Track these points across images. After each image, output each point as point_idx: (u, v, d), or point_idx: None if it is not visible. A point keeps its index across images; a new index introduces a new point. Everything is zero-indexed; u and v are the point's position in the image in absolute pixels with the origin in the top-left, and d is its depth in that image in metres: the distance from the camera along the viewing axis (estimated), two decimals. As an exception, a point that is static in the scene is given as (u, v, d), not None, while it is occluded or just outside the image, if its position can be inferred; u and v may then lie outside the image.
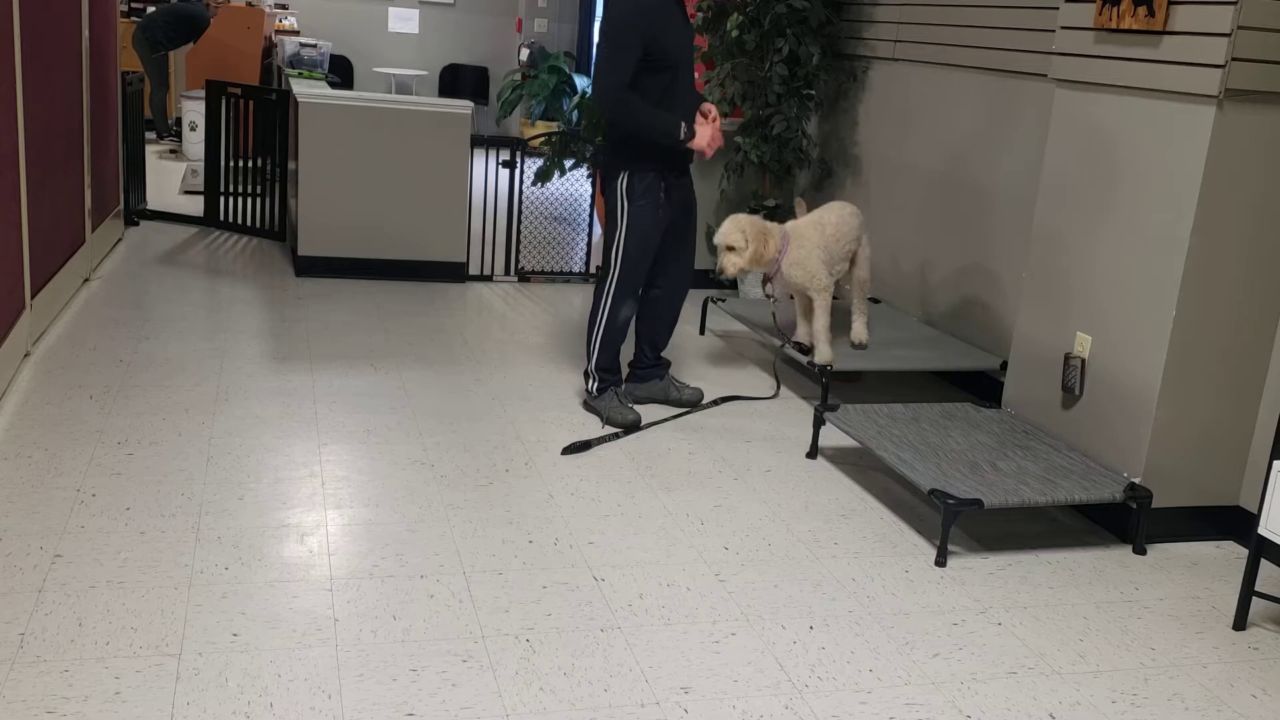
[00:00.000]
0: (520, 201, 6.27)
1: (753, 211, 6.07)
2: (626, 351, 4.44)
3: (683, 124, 3.94)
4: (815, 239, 4.36)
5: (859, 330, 4.64)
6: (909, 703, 2.56)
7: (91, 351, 4.48)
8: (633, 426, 4.13)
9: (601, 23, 3.92)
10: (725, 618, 2.86)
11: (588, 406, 4.31)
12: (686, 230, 4.26)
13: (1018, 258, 4.53)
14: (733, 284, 6.33)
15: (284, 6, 10.84)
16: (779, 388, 4.78)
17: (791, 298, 4.71)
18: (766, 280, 4.90)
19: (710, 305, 5.53)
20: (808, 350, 4.51)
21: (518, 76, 11.07)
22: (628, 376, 4.44)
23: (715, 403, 4.50)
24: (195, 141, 7.84)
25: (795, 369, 5.07)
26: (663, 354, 4.48)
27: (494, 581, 2.95)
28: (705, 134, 4.02)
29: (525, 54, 11.28)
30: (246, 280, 5.82)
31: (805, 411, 4.50)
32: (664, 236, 4.15)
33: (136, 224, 6.89)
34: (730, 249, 4.24)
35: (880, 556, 3.29)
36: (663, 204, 4.06)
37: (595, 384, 4.25)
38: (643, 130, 3.92)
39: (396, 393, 4.31)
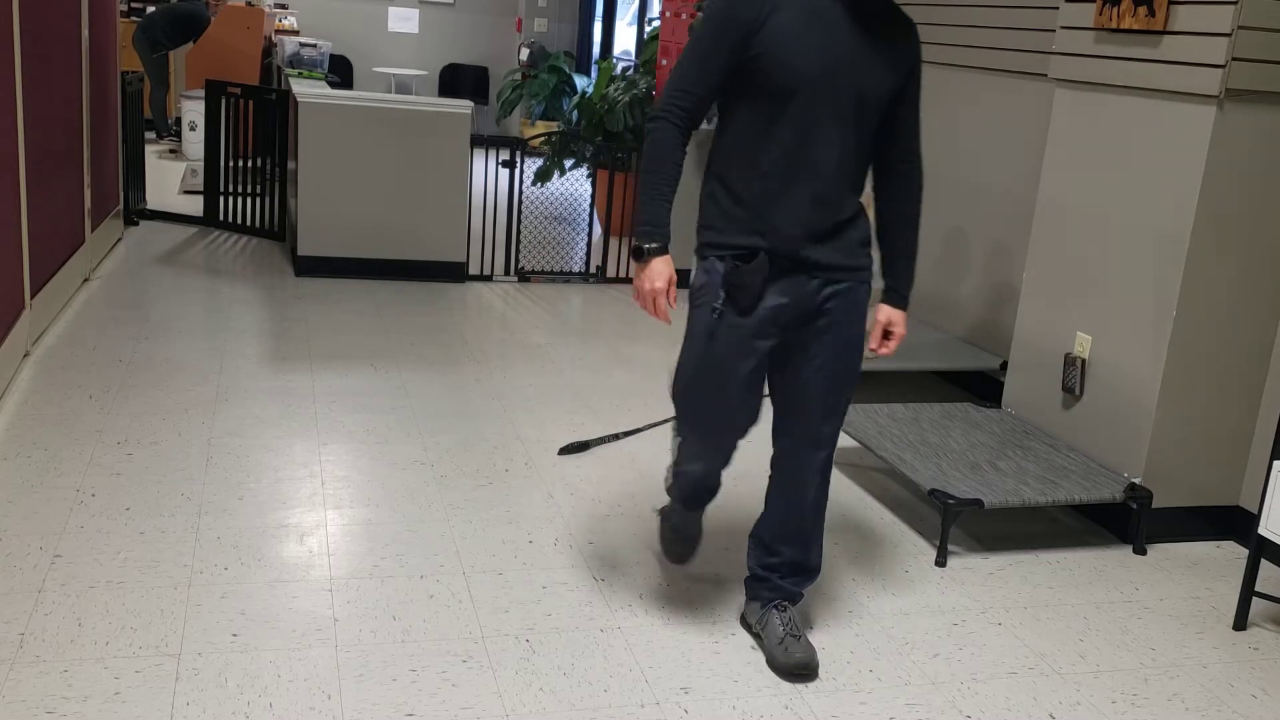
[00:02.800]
0: (520, 201, 6.27)
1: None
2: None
3: (651, 229, 2.47)
4: None
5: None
6: (909, 703, 2.56)
7: (91, 351, 4.48)
8: (673, 558, 3.13)
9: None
10: (725, 618, 2.86)
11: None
12: (817, 371, 2.57)
13: (1018, 258, 4.53)
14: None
15: (284, 6, 10.84)
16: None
17: None
18: None
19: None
20: None
21: (518, 76, 11.07)
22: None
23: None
24: (195, 141, 7.85)
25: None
26: (776, 563, 2.73)
27: (494, 581, 2.95)
28: (659, 280, 2.48)
29: (525, 54, 11.28)
30: (246, 280, 5.82)
31: (805, 411, 4.50)
32: (775, 371, 2.62)
33: (136, 224, 6.88)
34: None
35: (880, 556, 3.29)
36: (728, 314, 2.50)
37: (665, 507, 3.10)
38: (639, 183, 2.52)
39: (396, 393, 4.31)
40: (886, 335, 2.64)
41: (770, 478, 2.72)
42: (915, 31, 2.49)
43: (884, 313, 2.63)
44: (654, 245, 2.47)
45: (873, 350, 2.63)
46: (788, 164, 2.42)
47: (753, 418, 2.65)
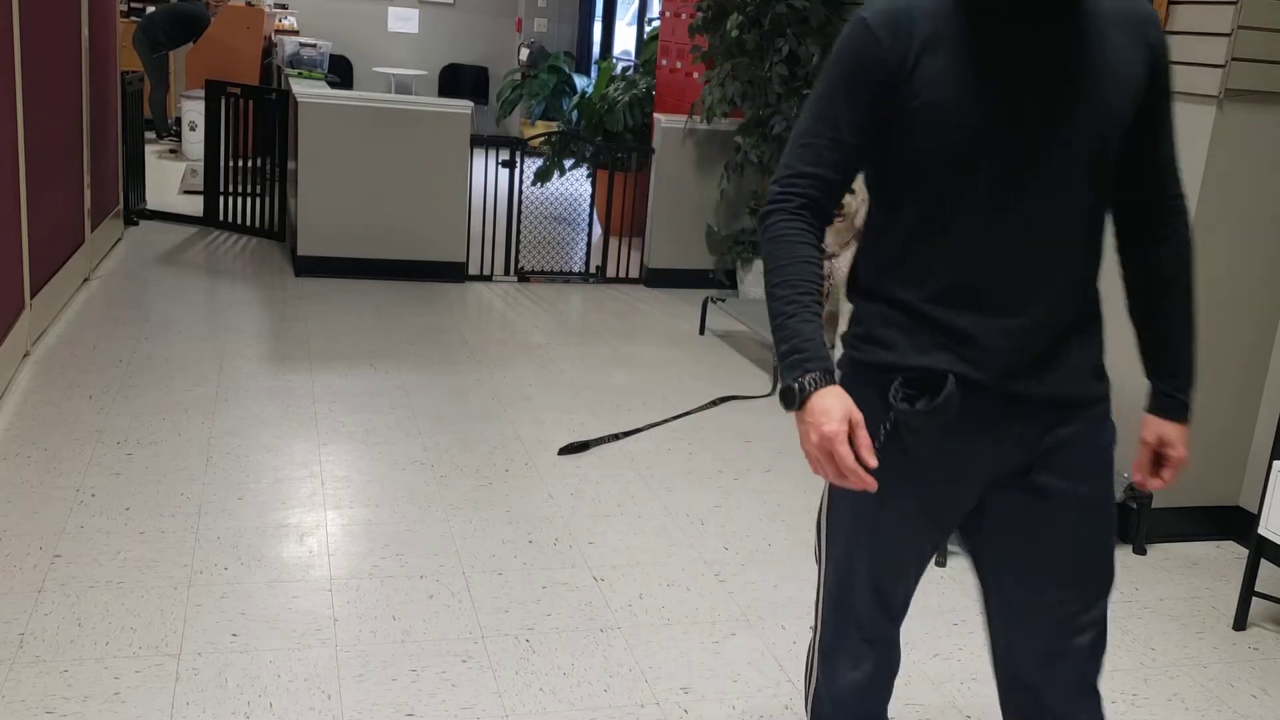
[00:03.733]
0: (520, 201, 6.27)
1: (751, 212, 6.08)
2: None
3: (798, 355, 1.60)
4: None
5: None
6: (909, 703, 2.56)
7: (91, 351, 4.48)
8: None
9: None
10: (725, 618, 2.86)
11: None
12: (1046, 565, 1.74)
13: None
14: (733, 284, 6.33)
15: (284, 6, 10.84)
16: (775, 386, 4.77)
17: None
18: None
19: (710, 305, 5.53)
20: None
21: (518, 76, 11.07)
22: None
23: (714, 403, 4.50)
24: (195, 141, 7.85)
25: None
26: None
27: (494, 581, 2.95)
28: (831, 422, 1.55)
29: (525, 54, 11.28)
30: (246, 280, 5.82)
31: (805, 411, 4.50)
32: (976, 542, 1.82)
33: (136, 224, 6.88)
34: (850, 190, 4.37)
35: (880, 556, 3.29)
36: (890, 475, 1.61)
37: None
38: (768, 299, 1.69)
39: (396, 393, 4.31)
40: (1159, 461, 1.83)
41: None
42: (1155, 20, 1.66)
43: (1153, 429, 1.82)
44: (811, 376, 1.58)
45: (1138, 485, 1.86)
46: (982, 267, 1.61)
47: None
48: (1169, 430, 1.80)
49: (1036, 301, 1.63)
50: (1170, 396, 1.82)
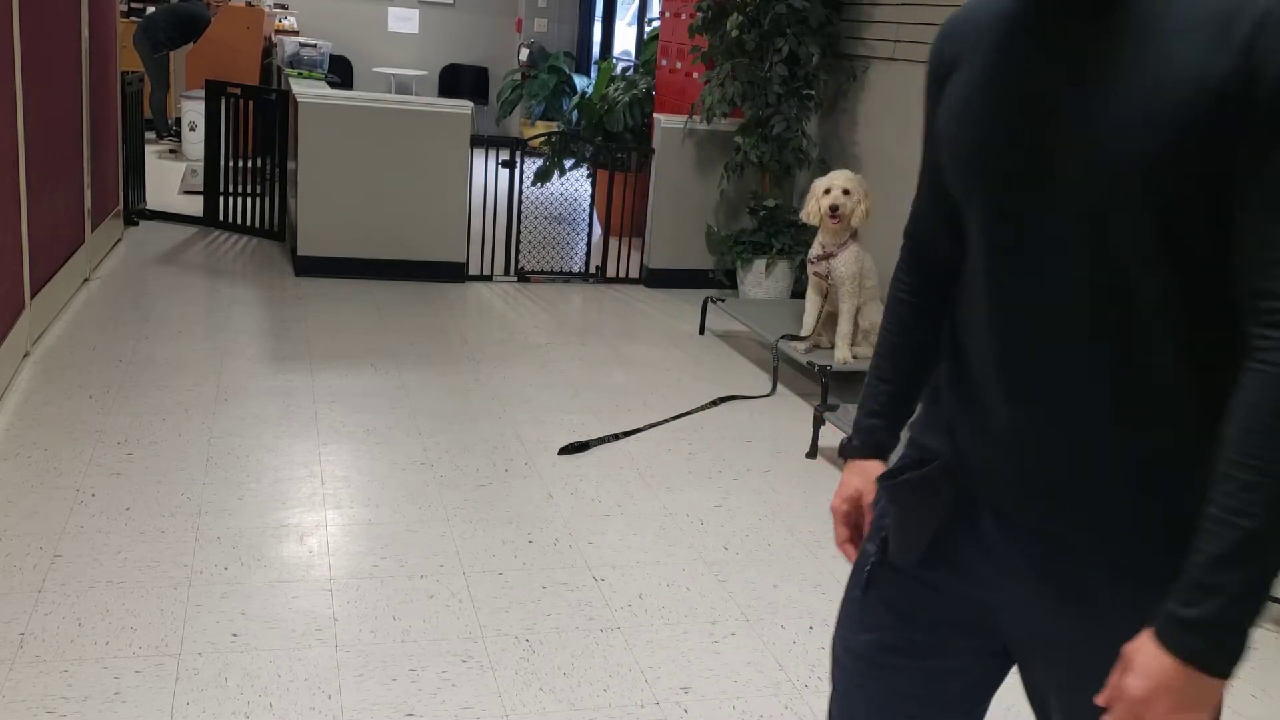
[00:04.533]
0: (520, 201, 6.27)
1: (751, 212, 6.08)
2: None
3: (855, 425, 1.50)
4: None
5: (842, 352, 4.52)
6: None
7: (91, 351, 4.48)
8: None
9: None
10: (725, 618, 2.86)
11: None
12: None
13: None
14: (733, 284, 6.33)
15: (284, 6, 10.84)
16: (775, 386, 4.77)
17: (822, 296, 4.63)
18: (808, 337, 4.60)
19: (710, 305, 5.53)
20: (802, 339, 4.57)
21: (518, 76, 11.08)
22: None
23: (714, 403, 4.50)
24: (195, 141, 7.85)
25: (795, 369, 5.06)
26: None
27: (494, 581, 2.95)
28: (836, 497, 1.49)
29: (525, 54, 11.29)
30: (246, 280, 5.82)
31: (805, 411, 4.50)
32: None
33: (136, 224, 6.88)
34: (846, 192, 4.46)
35: (880, 556, 3.29)
36: (881, 576, 1.39)
37: None
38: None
39: (396, 393, 4.31)
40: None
41: None
42: (1257, 17, 1.02)
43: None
44: (846, 441, 1.50)
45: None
46: (978, 334, 1.28)
47: None
48: (1136, 655, 1.10)
49: (1030, 410, 1.23)
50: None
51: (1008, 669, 1.37)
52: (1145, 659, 1.08)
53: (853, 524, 1.45)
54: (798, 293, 5.92)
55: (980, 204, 1.22)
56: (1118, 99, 1.07)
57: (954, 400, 1.33)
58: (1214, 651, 1.05)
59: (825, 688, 2.59)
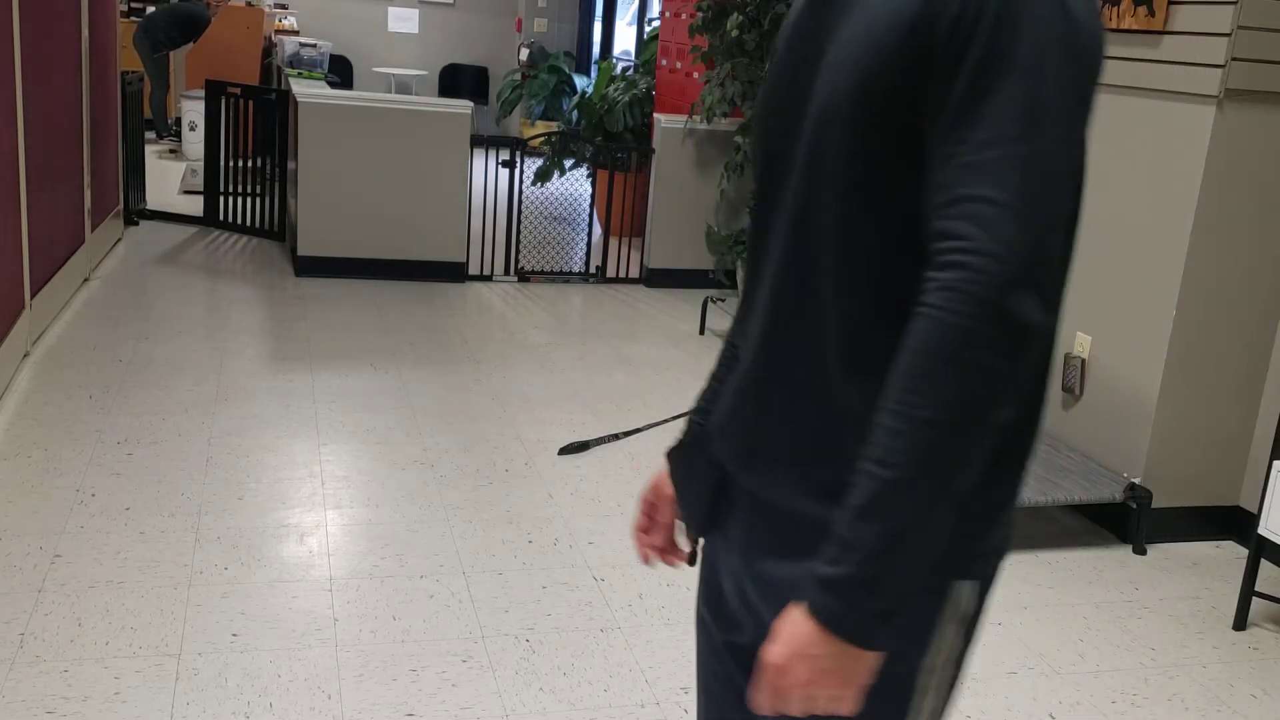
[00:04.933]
0: (520, 201, 6.27)
1: (751, 212, 6.07)
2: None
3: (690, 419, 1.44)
4: None
5: None
6: (909, 703, 2.56)
7: (91, 351, 4.48)
8: None
9: (1028, 34, 1.00)
10: (725, 618, 2.86)
11: None
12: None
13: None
14: (733, 284, 6.33)
15: (284, 6, 10.84)
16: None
17: None
18: None
19: (710, 305, 5.53)
20: None
21: (518, 76, 11.08)
22: None
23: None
24: (195, 141, 7.84)
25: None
26: None
27: (494, 581, 2.95)
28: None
29: (525, 54, 11.28)
30: (246, 280, 5.82)
31: (805, 411, 4.50)
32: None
33: (136, 224, 6.88)
34: None
35: (880, 556, 3.29)
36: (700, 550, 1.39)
37: None
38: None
39: (396, 393, 4.31)
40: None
41: None
42: None
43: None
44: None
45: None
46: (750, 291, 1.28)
47: None
48: (783, 629, 1.04)
49: (745, 361, 1.22)
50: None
51: None
52: (786, 624, 1.02)
53: (648, 512, 1.39)
54: (798, 293, 5.91)
55: (756, 156, 1.26)
56: (837, 44, 1.10)
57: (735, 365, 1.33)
58: (845, 614, 0.98)
59: (825, 688, 2.59)
